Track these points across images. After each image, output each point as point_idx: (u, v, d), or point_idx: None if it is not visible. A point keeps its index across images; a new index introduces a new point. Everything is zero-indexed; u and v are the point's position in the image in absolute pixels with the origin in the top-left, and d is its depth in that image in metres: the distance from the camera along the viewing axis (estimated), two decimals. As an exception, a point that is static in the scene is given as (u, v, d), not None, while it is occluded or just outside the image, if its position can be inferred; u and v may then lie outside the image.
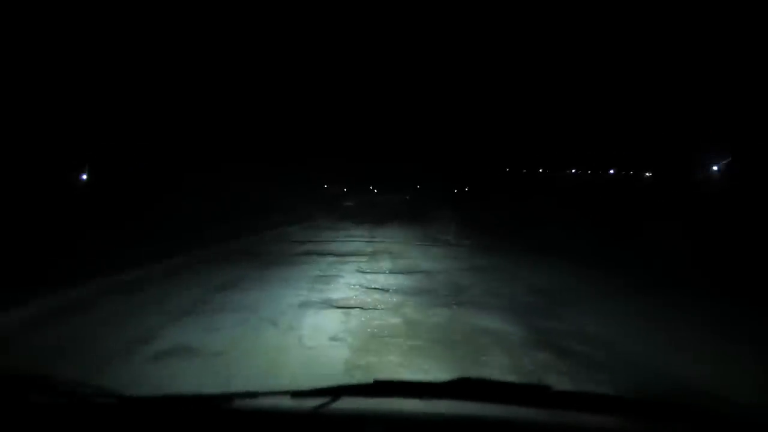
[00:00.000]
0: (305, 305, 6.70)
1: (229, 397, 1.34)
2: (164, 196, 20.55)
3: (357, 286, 8.16)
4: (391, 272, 9.81)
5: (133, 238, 12.05)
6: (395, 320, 5.99)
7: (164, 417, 1.30)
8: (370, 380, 1.40)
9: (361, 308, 6.55)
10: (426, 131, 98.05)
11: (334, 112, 62.28)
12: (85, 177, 22.24)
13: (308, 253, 12.83)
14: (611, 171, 49.09)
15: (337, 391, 1.33)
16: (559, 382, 4.10)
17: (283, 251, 13.31)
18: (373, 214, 33.72)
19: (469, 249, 14.61)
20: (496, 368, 4.42)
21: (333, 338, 5.23)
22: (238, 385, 3.70)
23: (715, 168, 31.26)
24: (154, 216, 16.78)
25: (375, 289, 7.99)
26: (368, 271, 9.91)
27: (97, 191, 20.11)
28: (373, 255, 12.66)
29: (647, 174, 45.23)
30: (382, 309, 6.55)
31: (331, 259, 11.73)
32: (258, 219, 20.54)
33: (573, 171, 54.93)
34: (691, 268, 9.85)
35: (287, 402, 1.33)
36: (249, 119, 30.10)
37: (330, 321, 5.92)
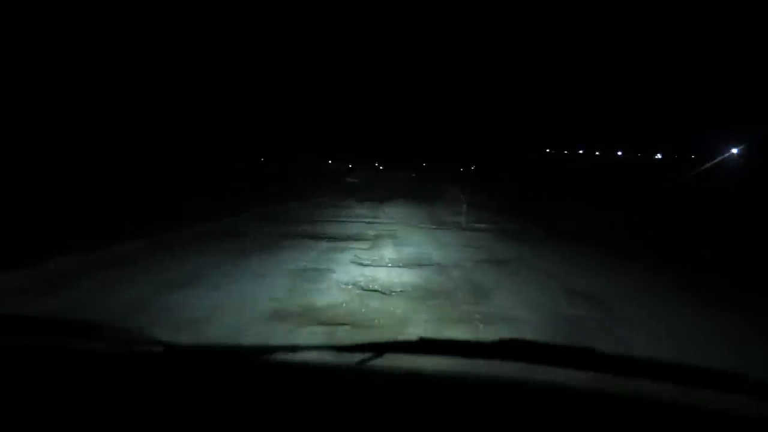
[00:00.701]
0: (276, 318, 4.91)
1: (271, 349, 1.25)
2: (151, 168, 18.89)
3: (351, 286, 6.39)
4: (395, 265, 8.04)
5: (91, 215, 10.21)
6: (398, 350, 4.19)
7: (205, 367, 1.18)
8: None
9: (352, 326, 4.75)
10: (431, 111, 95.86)
11: (341, 91, 60.23)
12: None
13: (300, 236, 11.05)
14: (619, 153, 47.00)
15: (381, 347, 1.23)
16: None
17: (271, 233, 11.52)
18: (378, 192, 32.06)
19: (483, 234, 12.80)
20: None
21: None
22: None
23: (735, 150, 29.11)
24: (130, 192, 15.01)
25: (373, 291, 6.20)
26: (367, 262, 8.14)
27: (82, 160, 18.33)
28: (374, 240, 10.89)
29: (658, 156, 43.21)
30: (379, 327, 4.75)
31: (325, 245, 9.96)
32: (251, 197, 18.69)
33: (581, 152, 52.72)
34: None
35: (329, 357, 1.26)
36: (253, 96, 28.53)
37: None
